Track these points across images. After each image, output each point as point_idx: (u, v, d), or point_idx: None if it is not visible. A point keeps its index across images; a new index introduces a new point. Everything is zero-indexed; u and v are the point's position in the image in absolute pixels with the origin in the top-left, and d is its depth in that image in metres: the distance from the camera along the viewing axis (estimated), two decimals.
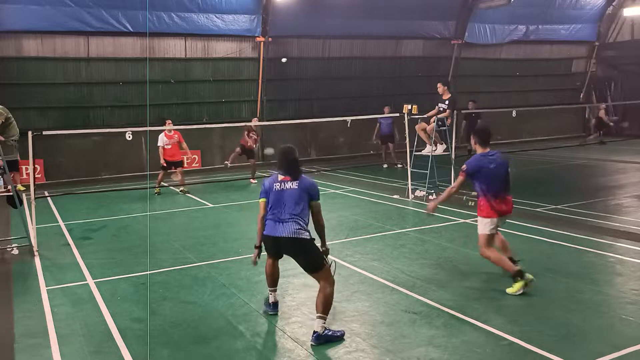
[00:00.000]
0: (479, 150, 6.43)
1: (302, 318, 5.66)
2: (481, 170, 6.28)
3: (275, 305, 5.85)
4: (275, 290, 5.85)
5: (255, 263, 5.66)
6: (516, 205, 10.66)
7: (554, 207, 10.57)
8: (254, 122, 14.81)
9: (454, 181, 12.18)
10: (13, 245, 8.74)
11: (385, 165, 17.14)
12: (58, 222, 10.75)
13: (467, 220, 9.67)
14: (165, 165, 13.34)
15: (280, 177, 5.46)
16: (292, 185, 5.40)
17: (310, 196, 5.43)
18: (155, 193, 13.40)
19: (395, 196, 12.02)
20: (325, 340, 5.07)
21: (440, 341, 5.05)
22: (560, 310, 5.65)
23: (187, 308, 6.08)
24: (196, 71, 18.04)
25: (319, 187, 5.56)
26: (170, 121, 13.52)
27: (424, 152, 12.10)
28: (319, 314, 5.12)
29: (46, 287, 6.91)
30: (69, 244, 9.04)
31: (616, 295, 6.06)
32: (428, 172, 11.56)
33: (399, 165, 16.45)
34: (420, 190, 11.89)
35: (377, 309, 5.86)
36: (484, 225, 6.30)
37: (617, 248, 7.81)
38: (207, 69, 18.19)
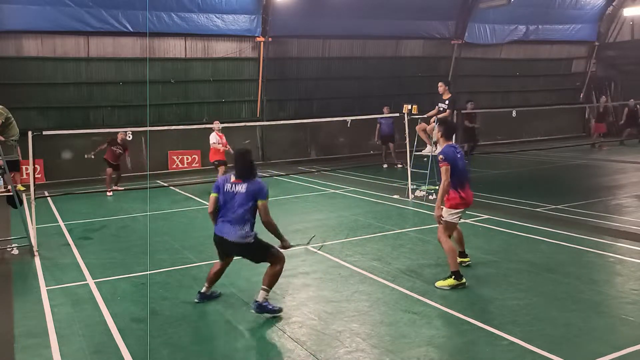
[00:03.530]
0: (444, 142, 6.63)
1: (302, 318, 5.66)
2: (455, 160, 6.46)
3: (203, 296, 6.15)
4: (209, 288, 6.19)
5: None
6: (516, 206, 10.79)
7: (554, 207, 10.57)
8: (120, 137, 13.80)
9: None
10: (13, 245, 8.74)
11: (385, 166, 17.13)
12: (58, 222, 10.75)
13: (467, 221, 9.67)
14: (217, 161, 13.77)
15: (233, 178, 5.73)
16: (241, 188, 5.64)
17: (256, 198, 5.64)
18: None
19: (395, 196, 12.02)
20: (262, 310, 5.59)
21: (440, 341, 5.05)
22: (560, 310, 5.64)
23: (187, 308, 6.08)
24: (196, 71, 18.04)
25: (268, 189, 5.74)
26: (218, 122, 13.88)
27: (424, 152, 12.10)
28: (264, 286, 5.63)
29: (46, 287, 6.91)
30: (69, 244, 9.04)
31: (616, 295, 6.05)
32: (428, 172, 11.56)
33: (399, 165, 16.44)
34: (421, 190, 11.89)
35: (377, 309, 5.86)
36: (450, 215, 6.53)
37: (617, 248, 7.81)
38: (207, 69, 18.20)
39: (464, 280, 6.35)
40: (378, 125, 17.21)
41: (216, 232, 5.80)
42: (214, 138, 13.67)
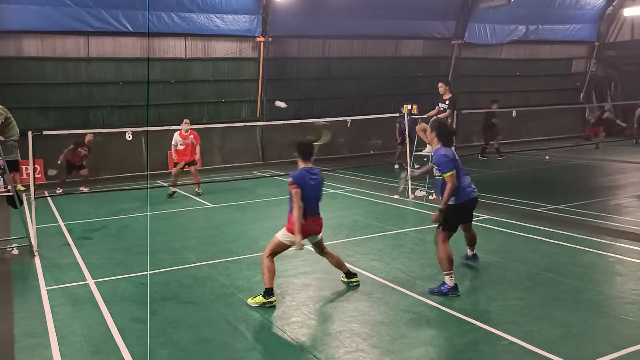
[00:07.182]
0: (302, 164, 6.10)
1: (302, 318, 5.66)
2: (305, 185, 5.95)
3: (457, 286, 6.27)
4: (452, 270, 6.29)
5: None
6: (516, 205, 10.79)
7: (554, 207, 10.57)
8: (89, 138, 13.88)
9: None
10: (13, 245, 8.74)
11: (396, 166, 16.63)
12: (58, 222, 10.75)
13: None
14: (177, 162, 13.02)
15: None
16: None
17: None
18: (168, 195, 12.94)
19: (395, 196, 12.01)
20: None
21: (440, 341, 5.05)
22: (560, 310, 5.65)
23: (187, 308, 6.08)
24: (196, 71, 18.03)
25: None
26: (188, 121, 13.08)
27: (424, 152, 12.09)
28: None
29: (46, 287, 6.91)
30: (69, 244, 9.04)
31: (616, 295, 6.06)
32: None
33: (397, 166, 16.35)
34: (420, 190, 11.90)
35: (377, 309, 5.86)
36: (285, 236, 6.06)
37: (617, 248, 7.81)
38: (207, 69, 18.19)
39: (273, 299, 5.96)
40: (398, 125, 16.62)
41: (467, 199, 6.46)
42: (174, 139, 12.91)
